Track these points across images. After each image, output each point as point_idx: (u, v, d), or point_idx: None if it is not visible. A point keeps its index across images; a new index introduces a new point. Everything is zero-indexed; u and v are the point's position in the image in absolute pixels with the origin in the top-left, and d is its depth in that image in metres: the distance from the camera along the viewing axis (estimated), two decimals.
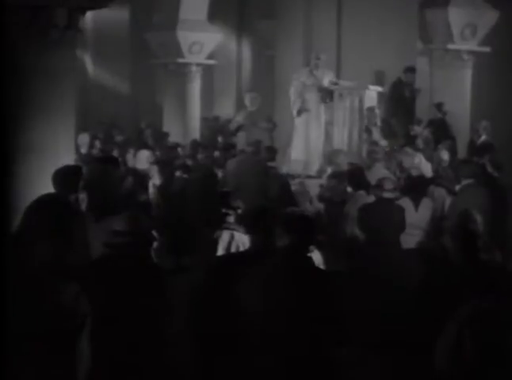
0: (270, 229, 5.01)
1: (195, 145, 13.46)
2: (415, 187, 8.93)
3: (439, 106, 14.55)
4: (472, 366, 3.83)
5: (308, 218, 4.76)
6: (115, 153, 13.05)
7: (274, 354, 4.37)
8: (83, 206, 7.66)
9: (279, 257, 4.55)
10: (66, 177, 6.43)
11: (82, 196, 7.47)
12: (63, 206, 5.72)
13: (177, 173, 11.52)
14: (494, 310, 3.94)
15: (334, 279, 4.67)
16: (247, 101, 15.23)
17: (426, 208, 8.76)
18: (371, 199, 8.65)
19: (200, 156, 12.71)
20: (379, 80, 13.14)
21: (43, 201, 5.57)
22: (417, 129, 13.12)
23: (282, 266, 4.50)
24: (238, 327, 4.55)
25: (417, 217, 8.64)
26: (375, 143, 11.17)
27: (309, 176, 11.87)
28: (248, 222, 5.33)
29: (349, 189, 9.26)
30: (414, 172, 9.80)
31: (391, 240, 8.18)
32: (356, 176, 9.24)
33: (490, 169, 9.79)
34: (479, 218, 7.24)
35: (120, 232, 4.83)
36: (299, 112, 12.29)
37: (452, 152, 12.65)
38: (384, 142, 11.81)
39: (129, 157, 12.91)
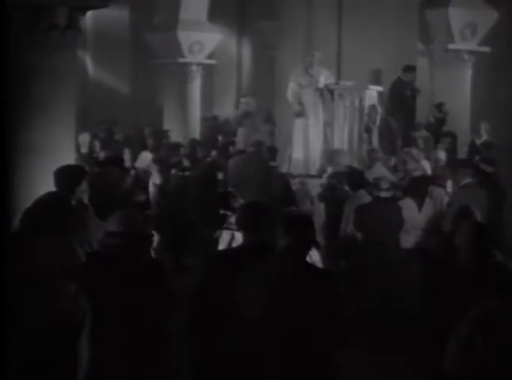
0: (263, 226, 4.97)
1: (193, 144, 13.45)
2: (418, 187, 8.90)
3: (439, 106, 14.56)
4: (483, 366, 3.82)
5: (308, 219, 4.75)
6: (115, 152, 13.04)
7: (274, 353, 4.37)
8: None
9: (278, 257, 4.55)
10: (67, 177, 6.42)
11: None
12: (64, 206, 5.72)
13: (173, 171, 11.51)
14: (506, 311, 3.92)
15: (334, 278, 4.65)
16: (242, 106, 15.31)
17: (429, 209, 8.74)
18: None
19: (198, 155, 12.71)
20: (376, 79, 13.11)
21: (45, 201, 5.58)
22: (417, 134, 13.09)
23: (282, 266, 4.49)
24: (237, 326, 4.55)
25: (420, 218, 8.62)
26: (373, 150, 11.19)
27: (310, 176, 11.88)
28: (240, 219, 5.27)
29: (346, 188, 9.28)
30: (416, 173, 9.77)
31: (389, 239, 8.16)
32: (355, 178, 9.23)
33: (482, 166, 9.81)
34: (478, 215, 7.28)
35: (114, 233, 4.75)
36: (298, 115, 12.32)
37: (452, 151, 12.65)
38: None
39: (126, 157, 12.90)
